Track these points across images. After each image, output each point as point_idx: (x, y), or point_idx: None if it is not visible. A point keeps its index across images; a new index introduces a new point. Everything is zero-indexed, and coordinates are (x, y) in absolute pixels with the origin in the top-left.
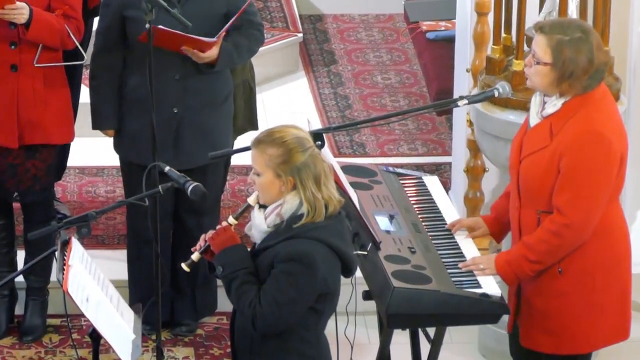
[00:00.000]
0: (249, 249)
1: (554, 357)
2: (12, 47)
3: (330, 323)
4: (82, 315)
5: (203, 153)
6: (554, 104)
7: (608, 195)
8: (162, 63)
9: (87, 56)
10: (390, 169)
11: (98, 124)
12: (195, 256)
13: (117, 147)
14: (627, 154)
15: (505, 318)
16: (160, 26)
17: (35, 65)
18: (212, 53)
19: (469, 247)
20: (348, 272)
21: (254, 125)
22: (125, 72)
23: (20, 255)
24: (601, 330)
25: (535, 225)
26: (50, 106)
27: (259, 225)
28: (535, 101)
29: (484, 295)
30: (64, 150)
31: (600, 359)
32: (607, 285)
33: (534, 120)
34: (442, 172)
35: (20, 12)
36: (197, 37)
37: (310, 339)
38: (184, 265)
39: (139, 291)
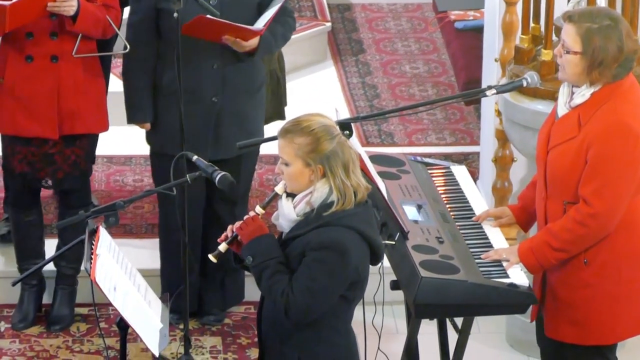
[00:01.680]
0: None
1: (578, 347)
2: (53, 38)
3: (358, 312)
4: (110, 304)
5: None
6: (583, 94)
7: (634, 187)
8: (199, 53)
9: (116, 47)
10: (418, 158)
11: (133, 117)
12: (222, 247)
13: (151, 139)
14: None
15: None
16: (208, 16)
17: (75, 55)
18: (254, 42)
19: (497, 237)
20: (376, 259)
21: (281, 115)
22: (159, 65)
23: (50, 244)
24: (626, 321)
25: (561, 216)
26: (89, 96)
27: (288, 214)
28: (563, 91)
29: (512, 285)
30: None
31: (626, 350)
32: (632, 277)
33: (562, 110)
34: (470, 161)
35: (70, 4)
36: (243, 25)
37: (340, 327)
38: (211, 256)
39: (171, 280)
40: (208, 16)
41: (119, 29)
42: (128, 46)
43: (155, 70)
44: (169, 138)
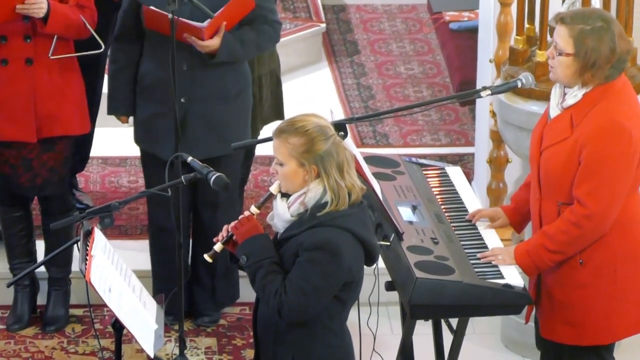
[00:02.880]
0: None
1: (575, 348)
2: (27, 40)
3: (353, 314)
4: (105, 305)
5: (212, 145)
6: (575, 95)
7: (628, 187)
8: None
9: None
10: (413, 159)
11: (111, 109)
12: (217, 247)
13: (134, 135)
14: None
15: None
16: (152, 7)
17: (51, 57)
18: (213, 42)
19: (491, 238)
20: (371, 260)
21: (280, 116)
22: (140, 60)
23: (40, 245)
24: (623, 320)
25: (555, 217)
26: (66, 97)
27: (282, 214)
28: (555, 92)
29: (507, 286)
30: (87, 140)
31: (622, 350)
32: (628, 277)
33: (554, 111)
34: (465, 162)
35: (40, 7)
36: (185, 20)
37: (335, 328)
38: (206, 256)
39: (162, 281)
40: (151, 7)
41: (95, 28)
42: (103, 45)
43: (137, 64)
44: (144, 134)
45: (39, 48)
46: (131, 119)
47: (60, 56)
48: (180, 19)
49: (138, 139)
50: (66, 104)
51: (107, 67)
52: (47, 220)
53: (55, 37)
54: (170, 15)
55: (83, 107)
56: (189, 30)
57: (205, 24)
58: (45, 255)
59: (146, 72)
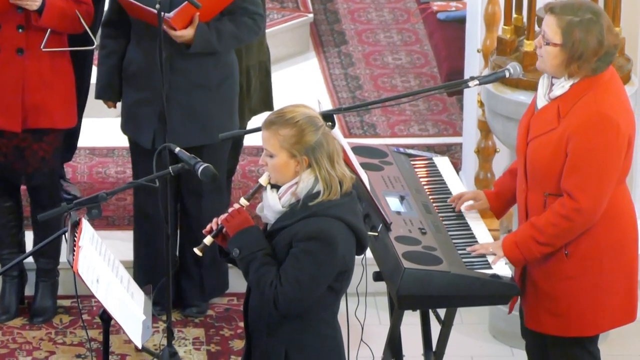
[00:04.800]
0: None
1: (559, 338)
2: (20, 30)
3: (341, 304)
4: (93, 296)
5: (193, 134)
6: (562, 86)
7: (616, 178)
8: (154, 42)
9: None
10: (401, 149)
11: (98, 93)
12: (207, 240)
13: (120, 122)
14: (634, 136)
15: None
16: None
17: (43, 49)
18: (186, 33)
19: (479, 228)
20: (361, 249)
21: (269, 106)
22: (128, 46)
23: (29, 237)
24: (608, 312)
25: (542, 208)
26: (55, 91)
27: (273, 205)
28: (542, 83)
29: (495, 276)
30: (74, 130)
31: (608, 341)
32: (614, 268)
33: (542, 102)
34: (453, 152)
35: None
36: (145, 7)
37: (328, 318)
38: (196, 250)
39: (144, 270)
40: None
41: (90, 24)
42: (95, 42)
43: (124, 51)
44: (130, 121)
45: (31, 39)
46: (119, 107)
47: (52, 49)
48: (143, 6)
49: (123, 126)
50: (54, 96)
51: (94, 56)
52: (36, 211)
53: (49, 30)
54: (157, 6)
55: (71, 102)
56: (141, 15)
57: (172, 13)
58: (34, 246)
59: (132, 59)
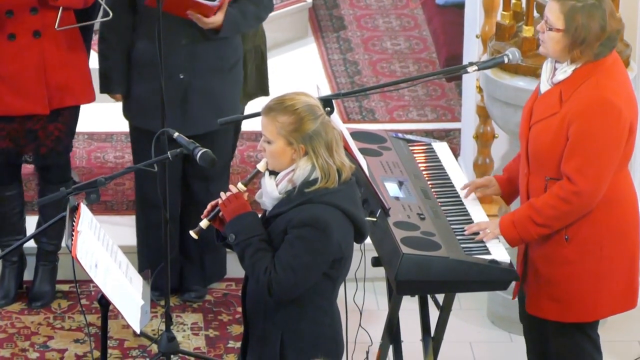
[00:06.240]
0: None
1: (560, 324)
2: (33, 13)
3: (339, 289)
4: (91, 281)
5: (210, 119)
6: (564, 71)
7: (617, 163)
8: (170, 28)
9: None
10: (400, 135)
11: (106, 87)
12: (203, 223)
13: (126, 112)
14: (636, 122)
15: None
16: None
17: (57, 28)
18: (217, 19)
19: (478, 214)
20: (360, 237)
21: (264, 91)
22: (134, 36)
23: (30, 221)
24: (608, 298)
25: (543, 192)
26: (74, 67)
27: (271, 192)
28: (546, 67)
29: (493, 261)
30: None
31: (607, 327)
32: (614, 254)
33: (545, 86)
34: (452, 138)
35: None
36: (199, 0)
37: (325, 306)
38: (192, 233)
39: (148, 257)
40: None
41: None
42: (110, 13)
43: (129, 41)
44: (140, 111)
45: (45, 20)
46: None
47: (66, 27)
48: None
49: (131, 115)
50: (74, 73)
51: (93, 44)
52: (45, 190)
53: (61, 9)
54: None
55: (88, 77)
56: (197, 9)
57: (217, 2)
58: (37, 228)
59: (143, 50)
